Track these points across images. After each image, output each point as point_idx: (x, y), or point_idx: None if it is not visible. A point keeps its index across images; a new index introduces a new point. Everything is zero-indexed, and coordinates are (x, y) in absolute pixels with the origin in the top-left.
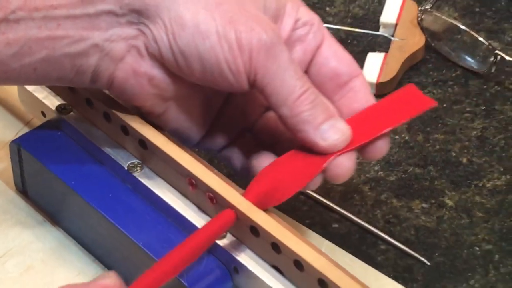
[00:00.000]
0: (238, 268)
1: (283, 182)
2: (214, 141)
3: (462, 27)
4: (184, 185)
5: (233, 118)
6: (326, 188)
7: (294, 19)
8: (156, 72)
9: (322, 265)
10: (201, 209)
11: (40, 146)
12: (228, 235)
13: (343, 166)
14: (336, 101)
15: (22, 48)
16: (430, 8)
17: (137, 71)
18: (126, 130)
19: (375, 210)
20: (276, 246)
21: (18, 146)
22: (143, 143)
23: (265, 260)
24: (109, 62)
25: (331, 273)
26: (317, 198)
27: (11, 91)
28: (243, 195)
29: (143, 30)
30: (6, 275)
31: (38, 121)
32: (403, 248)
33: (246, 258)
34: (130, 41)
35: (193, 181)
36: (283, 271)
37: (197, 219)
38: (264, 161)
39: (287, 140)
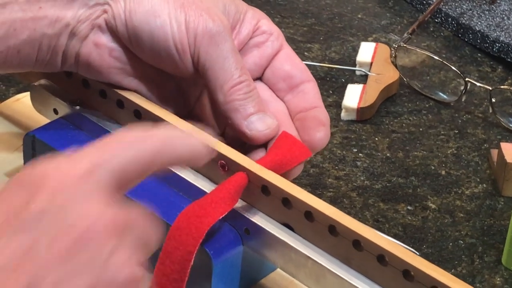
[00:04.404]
0: (250, 228)
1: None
2: None
3: (435, 57)
4: None
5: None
6: (316, 194)
7: (253, 27)
8: (115, 45)
9: (333, 212)
10: (212, 180)
11: (54, 136)
12: (239, 200)
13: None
14: (286, 100)
15: (8, 30)
16: (404, 43)
17: (98, 43)
18: (139, 114)
19: (364, 211)
20: (287, 201)
21: (33, 138)
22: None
23: (275, 219)
24: (75, 41)
25: (342, 219)
26: None
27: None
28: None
29: (106, 9)
30: None
31: None
32: (393, 241)
33: (258, 218)
34: (94, 21)
35: None
36: (293, 226)
37: (209, 188)
38: (254, 155)
39: None
